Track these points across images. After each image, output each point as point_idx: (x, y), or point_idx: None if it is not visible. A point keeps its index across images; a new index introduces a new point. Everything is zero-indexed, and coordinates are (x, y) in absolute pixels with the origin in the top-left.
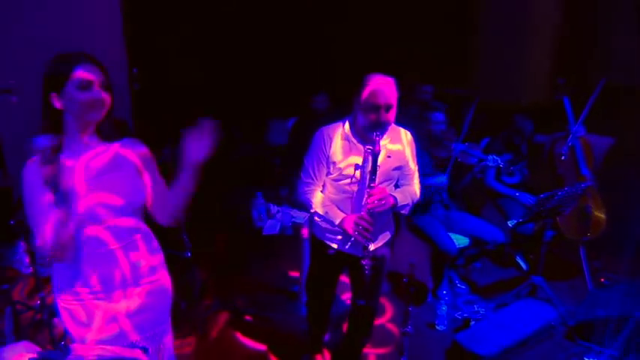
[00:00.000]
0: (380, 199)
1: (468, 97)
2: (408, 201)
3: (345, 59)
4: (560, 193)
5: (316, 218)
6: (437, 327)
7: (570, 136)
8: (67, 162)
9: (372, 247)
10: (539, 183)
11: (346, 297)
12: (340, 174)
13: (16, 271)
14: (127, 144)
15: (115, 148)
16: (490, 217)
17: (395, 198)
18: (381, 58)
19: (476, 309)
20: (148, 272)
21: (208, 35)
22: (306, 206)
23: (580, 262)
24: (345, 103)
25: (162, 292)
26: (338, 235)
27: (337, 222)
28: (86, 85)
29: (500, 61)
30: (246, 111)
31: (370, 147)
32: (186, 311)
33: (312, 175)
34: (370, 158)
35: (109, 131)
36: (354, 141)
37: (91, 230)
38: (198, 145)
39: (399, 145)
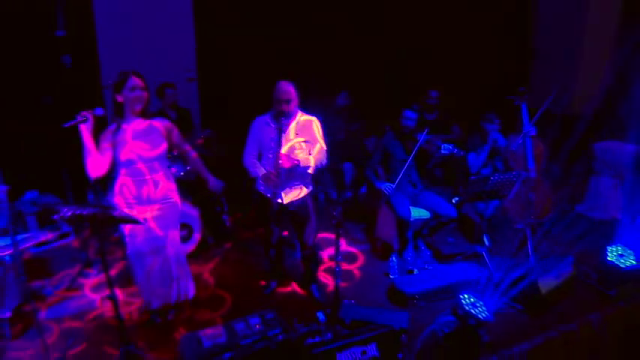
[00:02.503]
0: (287, 160)
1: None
2: (312, 164)
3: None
4: (492, 179)
5: (254, 177)
6: (390, 276)
7: (522, 134)
8: (124, 126)
9: (292, 195)
10: None
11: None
12: (265, 147)
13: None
14: (158, 120)
15: (151, 122)
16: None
17: (298, 160)
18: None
19: (425, 266)
20: (167, 194)
21: (259, 43)
22: (248, 172)
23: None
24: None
25: (174, 207)
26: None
27: (260, 174)
28: (134, 87)
29: (555, 70)
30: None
31: (278, 127)
32: (212, 245)
33: (250, 149)
34: (277, 135)
35: (148, 114)
36: (272, 125)
37: (132, 166)
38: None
39: (307, 126)
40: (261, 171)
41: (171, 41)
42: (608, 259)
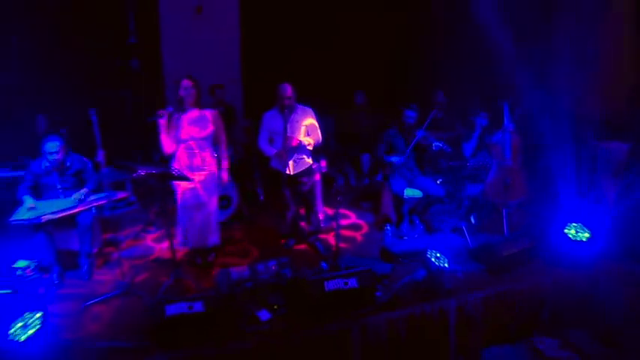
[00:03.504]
0: (293, 140)
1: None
2: (310, 142)
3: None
4: (469, 165)
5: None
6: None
7: (502, 129)
8: (183, 115)
9: (297, 169)
10: None
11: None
12: (274, 133)
13: None
14: (208, 110)
15: (203, 111)
16: None
17: (300, 141)
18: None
19: (416, 236)
20: (209, 164)
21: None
22: (263, 152)
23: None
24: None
25: (213, 175)
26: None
27: (272, 153)
28: (185, 87)
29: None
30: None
31: (283, 117)
32: (246, 213)
33: (263, 136)
34: (284, 122)
35: (200, 105)
36: (279, 116)
37: (187, 142)
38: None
39: (305, 115)
40: (273, 150)
41: (221, 51)
42: (565, 231)
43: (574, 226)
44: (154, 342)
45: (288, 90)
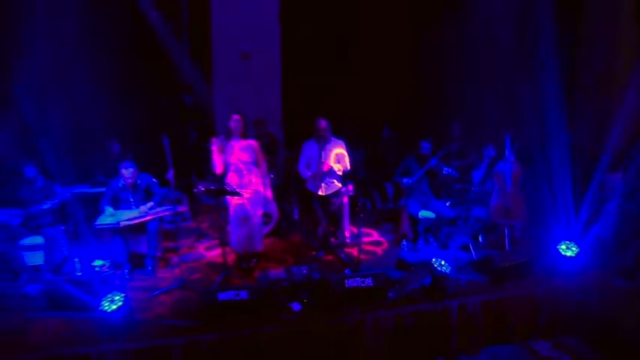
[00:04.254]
0: (325, 165)
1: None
2: (340, 168)
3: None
4: (473, 190)
5: (305, 178)
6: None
7: (504, 159)
8: (232, 143)
9: (328, 190)
10: None
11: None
12: (311, 159)
13: None
14: (253, 140)
15: (248, 141)
16: None
17: (331, 167)
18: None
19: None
20: (255, 184)
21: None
22: (301, 175)
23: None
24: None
25: (258, 193)
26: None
27: (308, 175)
28: (235, 120)
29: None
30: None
31: (319, 146)
32: (284, 228)
33: (302, 161)
34: (319, 150)
35: (247, 135)
36: (315, 145)
37: (236, 166)
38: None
39: (337, 145)
40: (309, 173)
41: (264, 90)
42: (557, 247)
43: (566, 243)
44: (207, 322)
45: (323, 123)
